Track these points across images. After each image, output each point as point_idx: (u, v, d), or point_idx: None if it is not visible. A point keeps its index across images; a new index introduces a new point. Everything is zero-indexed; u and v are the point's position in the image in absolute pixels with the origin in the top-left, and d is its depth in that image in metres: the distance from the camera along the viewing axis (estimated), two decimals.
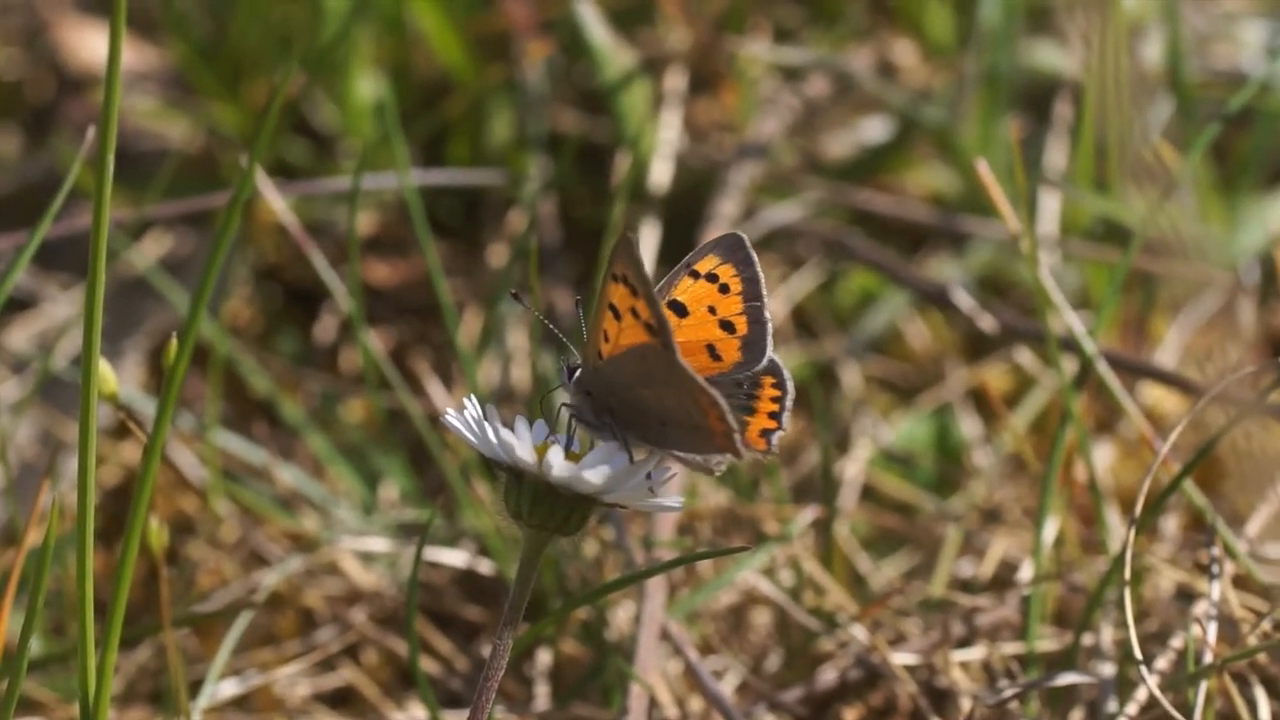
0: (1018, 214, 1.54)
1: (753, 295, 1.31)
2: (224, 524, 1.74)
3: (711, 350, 1.30)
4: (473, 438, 1.25)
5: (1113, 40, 1.71)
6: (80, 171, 1.39)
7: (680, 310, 1.31)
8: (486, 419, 1.26)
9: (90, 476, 1.20)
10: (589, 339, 1.27)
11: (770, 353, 1.31)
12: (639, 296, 1.22)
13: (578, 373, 1.28)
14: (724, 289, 1.31)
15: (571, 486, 1.22)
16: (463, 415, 1.26)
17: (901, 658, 1.56)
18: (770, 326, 1.31)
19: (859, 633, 1.57)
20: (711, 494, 1.69)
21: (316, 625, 1.69)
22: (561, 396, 1.30)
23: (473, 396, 1.27)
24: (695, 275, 1.31)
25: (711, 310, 1.31)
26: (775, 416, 1.30)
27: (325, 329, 1.95)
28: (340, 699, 1.65)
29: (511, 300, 1.86)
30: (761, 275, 1.31)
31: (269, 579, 1.67)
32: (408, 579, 1.66)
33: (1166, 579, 1.58)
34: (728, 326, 1.31)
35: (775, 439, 1.29)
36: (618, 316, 1.24)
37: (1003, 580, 1.67)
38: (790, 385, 1.30)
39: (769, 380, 1.31)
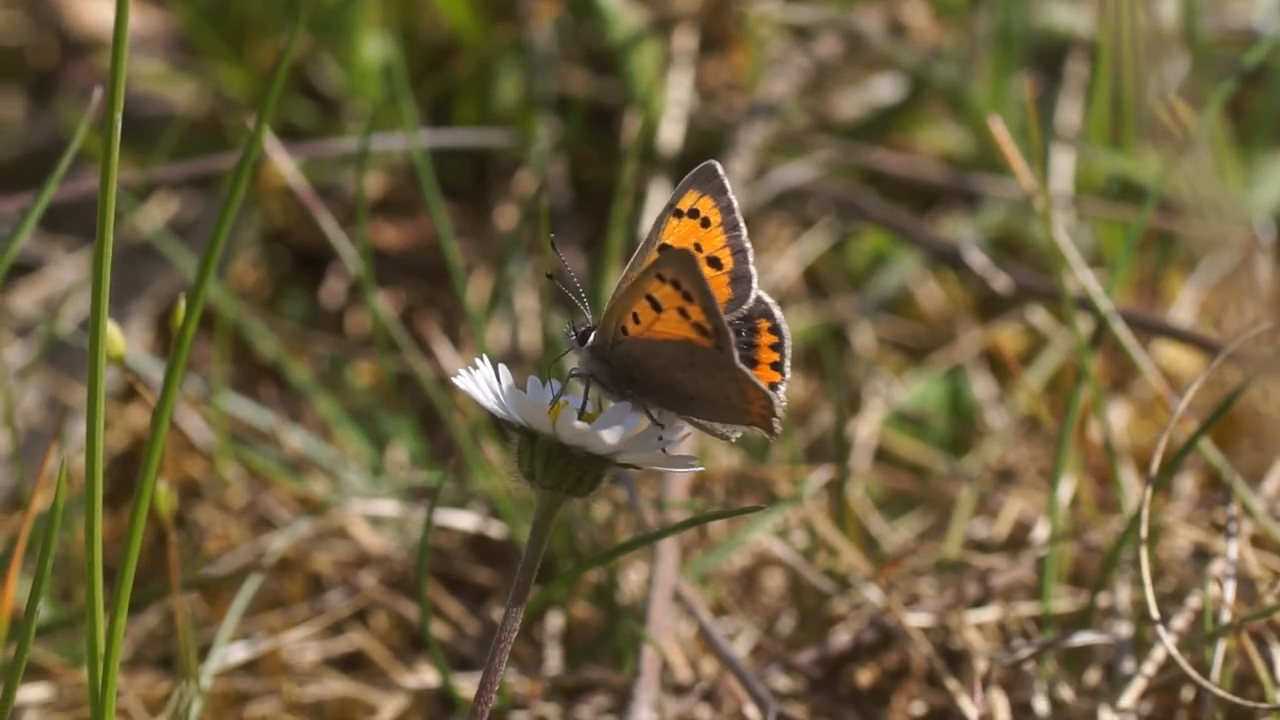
0: (1032, 172, 1.52)
1: (731, 224, 1.30)
2: (232, 488, 1.73)
3: None
4: (485, 398, 1.24)
5: None
6: (85, 135, 1.38)
7: None
8: (499, 379, 1.25)
9: (99, 439, 1.20)
10: (611, 312, 1.25)
11: (756, 285, 1.29)
12: (696, 304, 1.21)
13: (591, 338, 1.27)
14: (705, 223, 1.30)
15: (586, 447, 1.21)
16: (474, 376, 1.25)
17: (916, 619, 1.55)
18: (751, 253, 1.30)
19: (873, 594, 1.56)
20: (724, 455, 1.68)
21: (325, 589, 1.68)
22: (573, 361, 1.29)
23: (484, 357, 1.26)
24: (679, 214, 1.30)
25: (698, 247, 1.30)
26: (777, 366, 1.29)
27: (333, 292, 1.94)
28: (350, 663, 1.65)
29: (522, 262, 1.84)
30: (735, 201, 1.30)
31: (277, 543, 1.66)
32: (417, 542, 1.66)
33: (1183, 538, 1.57)
34: (714, 263, 1.30)
35: (781, 390, 1.28)
36: (657, 308, 1.22)
37: (1018, 541, 1.66)
38: (785, 329, 1.29)
39: (764, 324, 1.29)
